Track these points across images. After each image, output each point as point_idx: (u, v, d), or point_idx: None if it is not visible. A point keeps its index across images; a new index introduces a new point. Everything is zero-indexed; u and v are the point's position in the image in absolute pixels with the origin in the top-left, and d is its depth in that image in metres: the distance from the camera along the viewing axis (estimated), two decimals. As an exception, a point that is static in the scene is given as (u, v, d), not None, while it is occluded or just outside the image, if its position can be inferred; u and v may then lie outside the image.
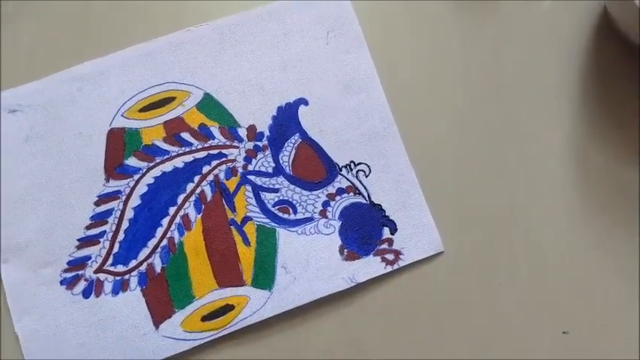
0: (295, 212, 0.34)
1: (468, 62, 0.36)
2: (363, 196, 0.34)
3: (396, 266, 0.32)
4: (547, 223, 0.33)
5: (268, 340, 0.32)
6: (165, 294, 0.32)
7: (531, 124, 0.35)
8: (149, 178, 0.33)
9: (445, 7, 0.37)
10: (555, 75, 0.36)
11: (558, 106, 0.35)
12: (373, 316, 0.32)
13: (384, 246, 0.33)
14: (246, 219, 0.33)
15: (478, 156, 0.34)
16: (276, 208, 0.34)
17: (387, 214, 0.33)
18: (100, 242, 0.32)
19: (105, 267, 0.32)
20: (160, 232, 0.33)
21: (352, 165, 0.34)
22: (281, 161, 0.34)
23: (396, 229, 0.33)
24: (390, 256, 0.33)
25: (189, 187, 0.34)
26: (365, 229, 0.33)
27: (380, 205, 0.34)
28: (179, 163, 0.34)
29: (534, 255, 0.33)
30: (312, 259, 0.33)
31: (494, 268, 0.33)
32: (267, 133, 0.35)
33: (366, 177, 0.34)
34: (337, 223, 0.33)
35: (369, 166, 0.34)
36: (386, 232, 0.33)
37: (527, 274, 0.33)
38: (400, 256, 0.33)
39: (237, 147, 0.34)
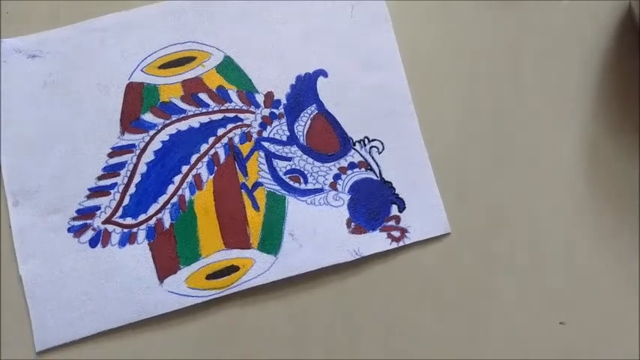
0: (306, 182, 0.34)
1: (489, 50, 0.36)
2: (375, 173, 0.34)
3: (401, 243, 0.33)
4: (552, 215, 0.34)
5: (270, 305, 0.32)
6: (172, 250, 0.32)
7: (547, 117, 0.35)
8: (164, 135, 0.34)
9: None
10: (574, 69, 0.36)
11: (575, 101, 0.35)
12: (375, 290, 0.33)
13: (391, 223, 0.33)
14: (257, 184, 0.33)
15: (491, 143, 0.35)
16: (288, 176, 0.34)
17: (396, 192, 0.34)
18: (110, 193, 0.33)
19: (114, 218, 0.32)
20: (171, 189, 0.33)
21: (366, 140, 0.35)
22: (296, 130, 0.35)
23: (404, 208, 0.33)
24: (396, 233, 0.33)
25: (203, 147, 0.34)
26: (373, 204, 0.33)
27: (390, 182, 0.34)
28: (195, 123, 0.34)
29: (537, 245, 0.33)
30: (319, 229, 0.33)
31: (497, 254, 0.33)
32: (284, 101, 0.35)
33: (379, 154, 0.34)
34: (346, 197, 0.34)
35: (382, 143, 0.34)
36: (394, 210, 0.33)
37: (529, 262, 0.33)
38: (406, 234, 0.33)
39: (254, 112, 0.35)
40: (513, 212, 0.34)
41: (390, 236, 0.33)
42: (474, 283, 0.33)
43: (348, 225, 0.33)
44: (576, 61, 0.36)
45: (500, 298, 0.33)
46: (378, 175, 0.34)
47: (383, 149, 0.34)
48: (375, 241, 0.33)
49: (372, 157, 0.34)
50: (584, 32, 0.36)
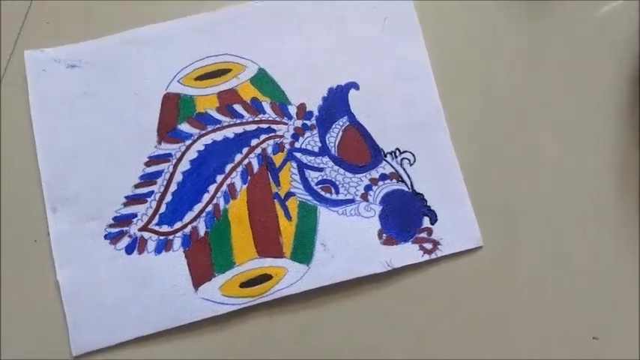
0: (337, 192, 0.34)
1: (520, 60, 0.36)
2: (406, 184, 0.34)
3: (433, 256, 0.33)
4: (586, 227, 0.34)
5: (301, 314, 0.32)
6: (207, 257, 0.33)
7: (578, 126, 0.35)
8: (200, 145, 0.34)
9: (502, 4, 0.37)
10: (606, 80, 0.36)
11: (606, 111, 0.35)
12: (406, 302, 0.33)
13: (423, 235, 0.33)
14: (290, 194, 0.34)
15: (523, 154, 0.35)
16: (319, 186, 0.34)
17: (428, 204, 0.34)
18: (147, 201, 0.33)
19: (150, 226, 0.33)
20: (206, 197, 0.33)
21: (397, 152, 0.35)
22: (327, 142, 0.35)
23: (436, 220, 0.34)
24: (428, 246, 0.33)
25: (238, 157, 0.34)
26: (405, 216, 0.34)
27: (422, 194, 0.34)
28: (230, 133, 0.35)
29: (569, 258, 0.33)
30: (350, 240, 0.33)
31: (529, 268, 0.33)
32: (316, 112, 0.35)
33: (411, 165, 0.35)
34: (378, 208, 0.34)
35: (414, 155, 0.35)
36: (426, 222, 0.34)
37: (561, 276, 0.33)
38: (438, 247, 0.33)
39: (286, 124, 0.35)
40: (545, 225, 0.34)
41: (422, 248, 0.33)
42: (505, 297, 0.33)
43: (380, 236, 0.33)
44: (609, 68, 0.36)
45: (532, 312, 0.33)
46: (410, 186, 0.34)
47: (414, 161, 0.35)
48: (407, 253, 0.33)
49: (404, 169, 0.35)
50: (619, 40, 0.36)
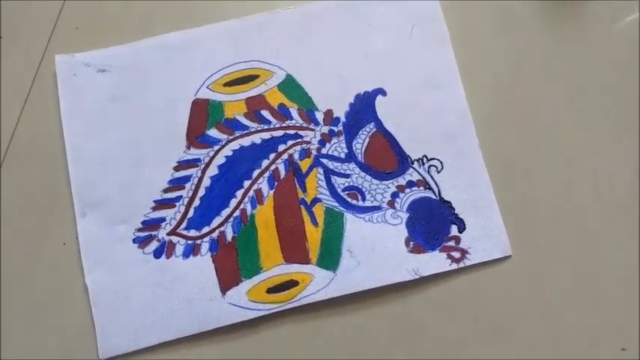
0: (364, 199, 0.34)
1: (549, 69, 0.36)
2: (433, 192, 0.34)
3: (461, 264, 0.33)
4: (615, 239, 0.33)
5: (327, 321, 0.32)
6: (234, 262, 0.33)
7: (608, 137, 0.35)
8: (228, 150, 0.34)
9: (531, 12, 0.37)
10: (635, 87, 0.35)
11: (637, 122, 0.35)
12: (433, 310, 0.32)
13: (451, 243, 0.33)
14: (316, 200, 0.34)
15: (551, 163, 0.34)
16: (346, 193, 0.34)
17: (456, 212, 0.34)
18: (175, 206, 0.34)
19: (178, 230, 0.33)
20: (233, 202, 0.33)
21: (425, 159, 0.35)
22: (354, 148, 0.35)
23: (464, 228, 0.33)
24: (456, 254, 0.33)
25: (265, 163, 0.34)
26: (433, 224, 0.33)
27: (450, 202, 0.34)
28: (257, 139, 0.35)
29: (598, 268, 0.33)
30: (377, 247, 0.33)
31: (558, 278, 0.33)
32: (343, 119, 0.35)
33: (438, 173, 0.34)
34: (405, 215, 0.34)
35: (441, 162, 0.35)
36: (454, 230, 0.33)
37: (590, 287, 0.32)
38: (466, 255, 0.33)
39: (313, 130, 0.35)
40: (575, 235, 0.33)
41: (449, 257, 0.33)
42: (534, 307, 0.32)
43: (407, 244, 0.33)
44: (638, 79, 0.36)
45: (561, 323, 0.32)
46: (437, 194, 0.34)
47: (442, 168, 0.34)
48: (435, 262, 0.33)
49: (431, 176, 0.34)
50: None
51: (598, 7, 0.37)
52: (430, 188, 0.34)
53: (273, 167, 0.34)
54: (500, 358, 0.32)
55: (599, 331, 0.32)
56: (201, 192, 0.34)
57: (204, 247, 0.33)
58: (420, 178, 0.34)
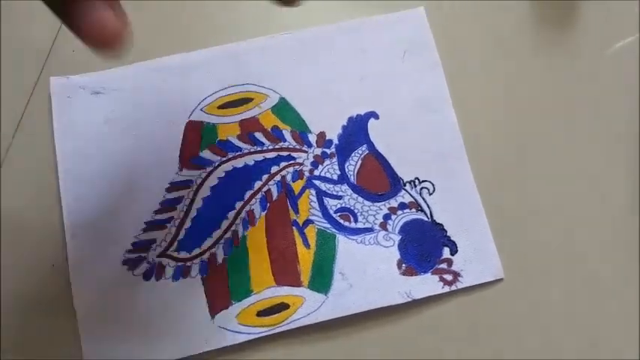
0: (356, 221, 0.34)
1: (541, 92, 0.37)
2: (425, 214, 0.34)
3: (453, 287, 0.32)
4: (607, 259, 0.33)
5: (318, 345, 0.32)
6: (224, 285, 0.32)
7: (600, 160, 0.35)
8: (221, 172, 0.34)
9: (522, 38, 0.38)
10: (629, 111, 0.36)
11: (629, 145, 0.35)
12: (426, 333, 0.32)
13: (443, 265, 0.33)
14: (308, 222, 0.34)
15: (544, 186, 0.35)
16: (338, 214, 0.34)
17: (448, 234, 0.34)
18: (166, 227, 0.33)
19: (168, 252, 0.33)
20: (225, 224, 0.33)
21: (417, 181, 0.35)
22: (346, 170, 0.35)
23: (456, 251, 0.33)
24: (448, 277, 0.33)
25: (257, 184, 0.34)
26: (425, 246, 0.33)
27: (442, 224, 0.34)
28: (250, 160, 0.35)
29: (593, 292, 0.33)
30: (369, 269, 0.33)
31: (552, 301, 0.32)
32: (335, 141, 0.36)
33: (430, 195, 0.35)
34: (397, 237, 0.34)
35: (433, 185, 0.35)
36: (446, 252, 0.33)
37: (584, 310, 0.32)
38: (459, 278, 0.33)
39: (306, 152, 0.35)
40: (569, 258, 0.33)
41: (442, 279, 0.33)
42: (527, 331, 0.32)
43: (399, 266, 0.33)
44: (629, 104, 0.36)
45: (554, 346, 0.32)
46: (429, 216, 0.34)
47: (434, 191, 0.35)
48: (427, 284, 0.32)
49: (423, 198, 0.35)
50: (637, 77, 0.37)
51: (588, 33, 0.38)
52: (422, 210, 0.34)
53: (265, 188, 0.34)
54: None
55: (593, 353, 0.32)
56: (193, 213, 0.34)
57: (195, 269, 0.33)
58: (412, 200, 0.35)
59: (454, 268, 0.33)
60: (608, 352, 0.32)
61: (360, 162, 0.35)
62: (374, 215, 0.34)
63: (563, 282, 0.33)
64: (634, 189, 0.35)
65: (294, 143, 0.36)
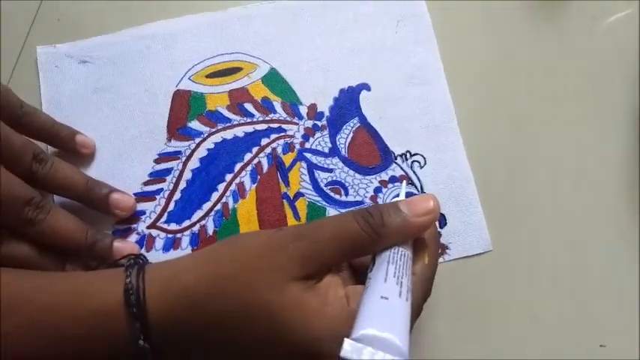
0: (347, 194, 0.34)
1: (533, 66, 0.36)
2: (416, 187, 0.34)
3: (441, 259, 0.33)
4: (596, 235, 0.33)
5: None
6: (215, 257, 0.32)
7: (590, 134, 0.35)
8: (210, 143, 0.34)
9: (515, 12, 0.37)
10: (619, 85, 0.36)
11: (619, 119, 0.35)
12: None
13: (432, 238, 0.33)
14: (299, 194, 0.34)
15: (534, 159, 0.35)
16: (329, 187, 0.34)
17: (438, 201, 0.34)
18: (155, 199, 0.33)
19: (158, 223, 0.33)
20: (215, 196, 0.33)
21: (408, 155, 0.35)
22: (338, 143, 0.35)
23: (445, 223, 0.33)
24: (437, 249, 0.33)
25: (247, 156, 0.34)
26: (415, 219, 0.33)
27: (432, 197, 0.34)
28: (240, 132, 0.34)
29: (580, 265, 0.33)
30: (359, 242, 0.33)
31: (539, 274, 0.33)
32: (327, 113, 0.35)
33: (421, 168, 0.34)
34: (387, 210, 0.34)
35: (424, 158, 0.35)
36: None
37: (571, 283, 0.33)
38: (447, 251, 0.33)
39: (297, 124, 0.35)
40: (557, 231, 0.33)
41: (431, 251, 0.33)
42: (514, 303, 0.32)
43: (389, 238, 0.33)
44: (621, 74, 0.36)
45: (540, 319, 0.32)
46: (420, 189, 0.34)
47: (425, 164, 0.34)
48: (416, 256, 0.33)
49: (414, 172, 0.34)
50: (630, 49, 0.36)
51: (580, 8, 0.37)
52: (413, 183, 0.34)
53: (255, 161, 0.34)
54: (481, 351, 0.32)
55: (579, 328, 0.32)
56: (182, 185, 0.33)
57: (185, 241, 0.33)
58: (403, 173, 0.34)
59: (442, 240, 0.33)
60: (595, 324, 0.32)
61: (351, 135, 0.35)
62: (364, 188, 0.34)
63: (552, 255, 0.33)
64: (625, 163, 0.35)
65: (285, 115, 0.35)
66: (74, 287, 0.25)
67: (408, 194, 0.34)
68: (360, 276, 0.26)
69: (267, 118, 0.35)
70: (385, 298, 0.22)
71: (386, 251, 0.25)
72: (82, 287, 0.25)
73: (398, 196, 0.30)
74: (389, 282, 0.23)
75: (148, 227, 0.33)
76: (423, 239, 0.26)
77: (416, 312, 0.24)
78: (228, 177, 0.34)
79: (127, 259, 0.26)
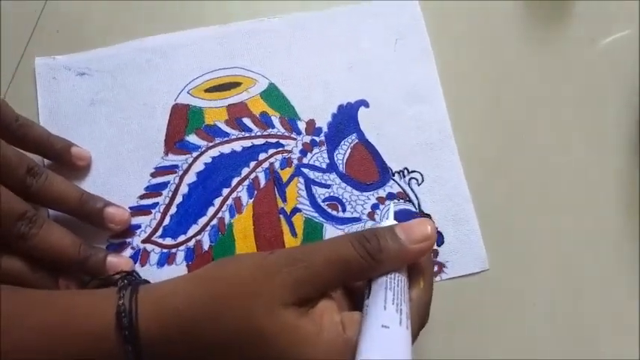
0: (344, 210, 0.34)
1: (531, 86, 0.36)
2: (413, 204, 0.34)
3: (438, 278, 0.32)
4: (594, 254, 0.33)
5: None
6: (210, 272, 0.32)
7: (589, 153, 0.35)
8: (207, 157, 0.34)
9: (514, 32, 0.38)
10: (618, 105, 0.36)
11: (618, 138, 0.35)
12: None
13: (429, 256, 0.33)
14: (296, 210, 0.34)
15: (532, 178, 0.35)
16: (326, 203, 0.34)
17: (435, 225, 0.33)
18: (151, 213, 0.33)
19: (153, 238, 0.32)
20: (211, 211, 0.33)
21: (406, 172, 0.35)
22: (335, 158, 0.35)
23: (442, 242, 0.33)
24: (434, 267, 0.33)
25: (245, 171, 0.34)
26: (412, 236, 0.33)
27: (429, 215, 0.34)
28: (237, 146, 0.34)
29: (575, 285, 0.33)
30: (356, 259, 0.33)
31: (535, 293, 0.33)
32: (325, 129, 0.35)
33: (418, 185, 0.34)
34: (384, 227, 0.33)
35: (422, 175, 0.34)
36: (432, 243, 0.33)
37: (568, 302, 0.33)
38: (444, 269, 0.33)
39: (295, 139, 0.35)
40: (554, 251, 0.33)
41: (428, 270, 0.33)
42: (510, 322, 0.32)
43: (386, 256, 0.33)
44: (618, 96, 0.36)
45: (536, 337, 0.32)
46: (417, 206, 0.34)
47: (422, 181, 0.34)
48: (413, 274, 0.32)
49: (411, 189, 0.34)
50: (626, 70, 0.37)
51: (579, 28, 0.38)
52: (410, 201, 0.34)
53: (253, 176, 0.34)
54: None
55: (576, 347, 0.32)
56: (179, 199, 0.33)
57: (180, 256, 0.32)
58: (401, 190, 0.34)
59: (439, 259, 0.33)
60: (591, 342, 0.32)
61: (349, 151, 0.35)
62: (362, 205, 0.34)
63: (549, 274, 0.33)
64: (623, 182, 0.35)
65: (283, 130, 0.35)
66: (66, 307, 0.24)
67: (406, 211, 0.34)
68: (355, 297, 0.26)
69: (265, 133, 0.35)
70: (386, 327, 0.22)
71: (382, 276, 0.24)
72: (74, 308, 0.24)
73: (387, 216, 0.30)
74: (388, 310, 0.23)
75: (143, 241, 0.32)
76: (419, 263, 0.26)
77: (413, 338, 0.24)
78: (225, 191, 0.33)
79: (121, 278, 0.26)
